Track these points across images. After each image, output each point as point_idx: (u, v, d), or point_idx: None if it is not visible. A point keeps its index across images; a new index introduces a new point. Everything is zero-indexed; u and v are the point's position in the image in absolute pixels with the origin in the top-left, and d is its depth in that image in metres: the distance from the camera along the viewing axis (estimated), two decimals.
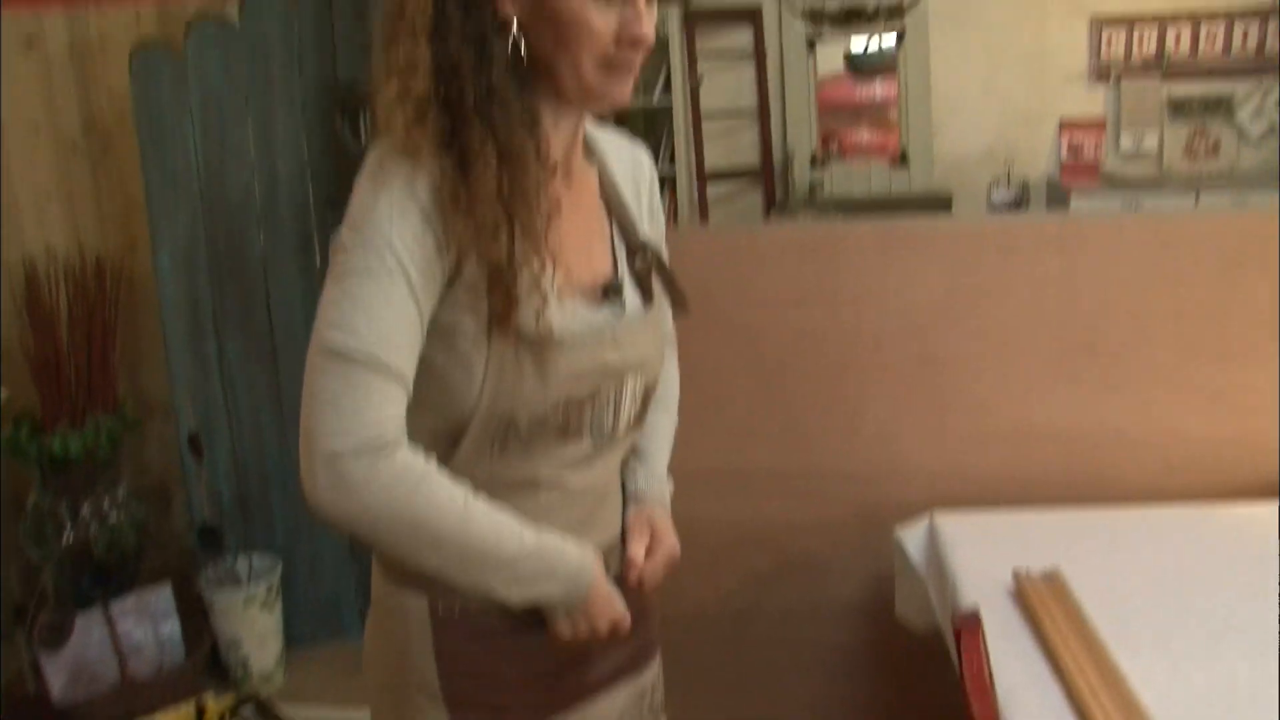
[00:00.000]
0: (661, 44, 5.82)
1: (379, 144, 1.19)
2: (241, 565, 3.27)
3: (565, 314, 1.22)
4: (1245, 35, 6.03)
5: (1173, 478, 2.01)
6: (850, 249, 1.93)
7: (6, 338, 3.41)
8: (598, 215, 1.36)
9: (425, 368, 1.19)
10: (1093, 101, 6.21)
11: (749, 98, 6.23)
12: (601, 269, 1.32)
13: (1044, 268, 1.93)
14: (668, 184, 5.94)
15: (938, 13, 6.14)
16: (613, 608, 1.28)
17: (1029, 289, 1.94)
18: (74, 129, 3.43)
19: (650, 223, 1.44)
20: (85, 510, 3.22)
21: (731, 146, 6.30)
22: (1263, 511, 1.91)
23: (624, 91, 1.23)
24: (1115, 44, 6.14)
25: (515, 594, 1.21)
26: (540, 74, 1.20)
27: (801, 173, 6.22)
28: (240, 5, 3.09)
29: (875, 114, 6.40)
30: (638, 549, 1.37)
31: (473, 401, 1.20)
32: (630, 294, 1.33)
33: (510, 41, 1.18)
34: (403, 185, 1.15)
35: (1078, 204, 5.77)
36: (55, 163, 3.45)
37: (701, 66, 6.04)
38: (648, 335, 1.33)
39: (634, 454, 1.45)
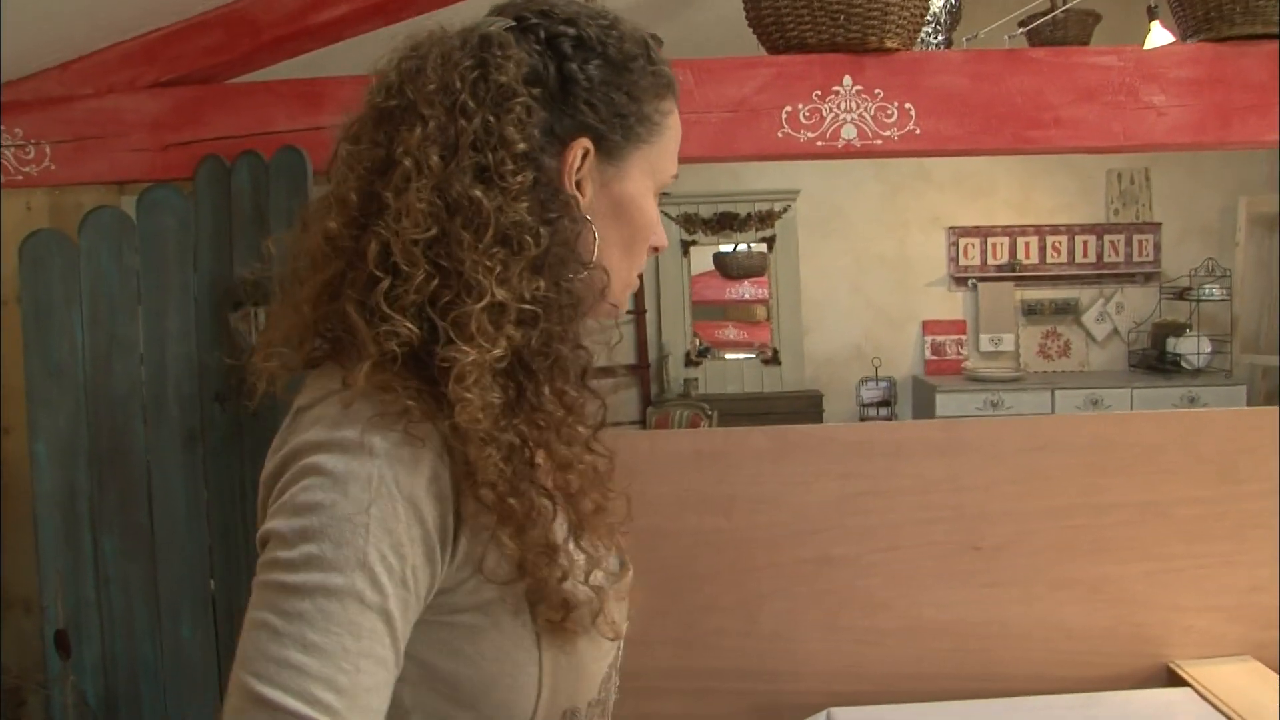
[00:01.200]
0: None
1: (359, 402, 0.92)
2: None
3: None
4: (1085, 246, 6.50)
5: (1058, 668, 2.09)
6: (745, 455, 2.01)
7: None
8: None
9: (450, 685, 0.96)
10: (952, 304, 6.57)
11: None
12: None
13: (929, 471, 2.03)
14: None
15: (806, 220, 6.48)
16: None
17: (916, 491, 2.03)
18: None
19: None
20: None
21: None
22: (1143, 697, 2.00)
23: None
24: (971, 252, 6.54)
25: None
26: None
27: (677, 370, 6.40)
28: (139, 198, 3.12)
29: (743, 312, 6.64)
30: None
31: (531, 702, 0.98)
32: None
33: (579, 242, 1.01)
34: (400, 472, 0.89)
35: (943, 400, 6.04)
36: None
37: None
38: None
39: None
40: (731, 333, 6.61)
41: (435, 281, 0.92)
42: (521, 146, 0.96)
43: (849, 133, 2.93)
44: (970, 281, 6.54)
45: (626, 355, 6.43)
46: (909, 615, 2.07)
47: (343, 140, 1.02)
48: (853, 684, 2.07)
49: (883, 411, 6.38)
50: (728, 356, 6.55)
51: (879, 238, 6.54)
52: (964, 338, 6.56)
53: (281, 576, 0.85)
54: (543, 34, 1.01)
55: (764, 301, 6.57)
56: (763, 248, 6.49)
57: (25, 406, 3.12)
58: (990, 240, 6.52)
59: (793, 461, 2.02)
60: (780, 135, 2.95)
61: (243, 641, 0.85)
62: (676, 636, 2.06)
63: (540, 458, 0.98)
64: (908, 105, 2.89)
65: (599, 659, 1.04)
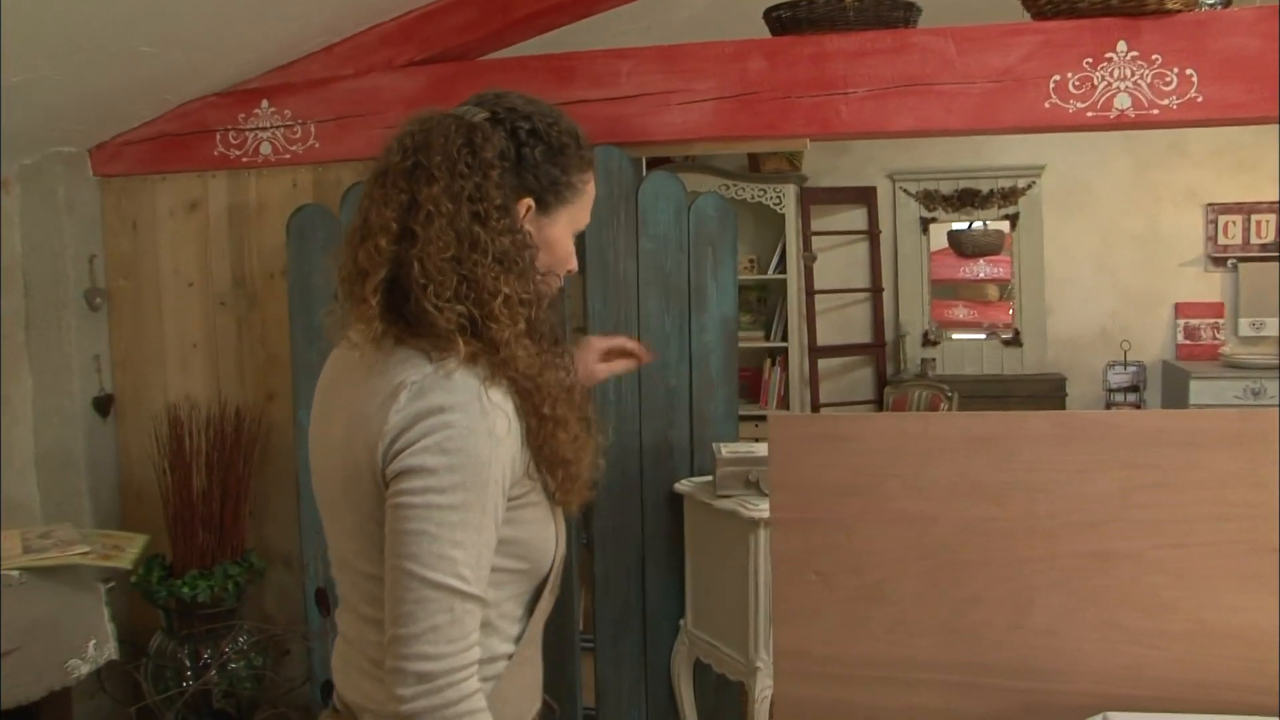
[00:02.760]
0: (777, 220, 5.97)
1: (462, 372, 1.39)
2: None
3: None
4: None
5: None
6: (1023, 441, 1.90)
7: (145, 480, 3.49)
8: None
9: (515, 546, 1.46)
10: (1208, 284, 6.21)
11: (862, 275, 6.32)
12: None
13: (1225, 465, 1.88)
14: (779, 357, 5.97)
15: (1051, 197, 6.24)
16: None
17: (1209, 485, 1.88)
18: (224, 285, 3.55)
19: None
20: (207, 656, 3.23)
21: (843, 322, 6.37)
22: None
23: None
24: (1231, 230, 6.13)
25: None
26: None
27: (914, 349, 6.22)
28: None
29: (974, 291, 6.44)
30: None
31: (550, 557, 1.51)
32: None
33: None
34: (497, 410, 1.39)
35: (1198, 387, 5.68)
36: (203, 316, 3.56)
37: (816, 244, 6.15)
38: None
39: None
40: (963, 312, 6.39)
41: (464, 285, 1.41)
42: (498, 201, 1.44)
43: (1123, 102, 2.75)
44: (1230, 262, 6.12)
45: (862, 334, 6.31)
46: (1195, 618, 1.92)
47: (370, 185, 1.48)
48: (1129, 688, 1.93)
49: (1130, 397, 6.05)
50: (954, 336, 6.33)
51: (1129, 215, 6.19)
52: (1221, 321, 6.14)
53: (437, 499, 1.32)
54: (508, 125, 1.49)
55: (1001, 280, 6.33)
56: (1004, 225, 6.24)
57: (287, 374, 3.26)
58: (1255, 217, 6.09)
59: (1074, 449, 1.90)
60: (1048, 106, 2.80)
61: (405, 543, 1.33)
62: (942, 626, 1.97)
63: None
64: (1189, 71, 2.70)
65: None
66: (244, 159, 3.45)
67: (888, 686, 1.99)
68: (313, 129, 3.38)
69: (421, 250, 1.39)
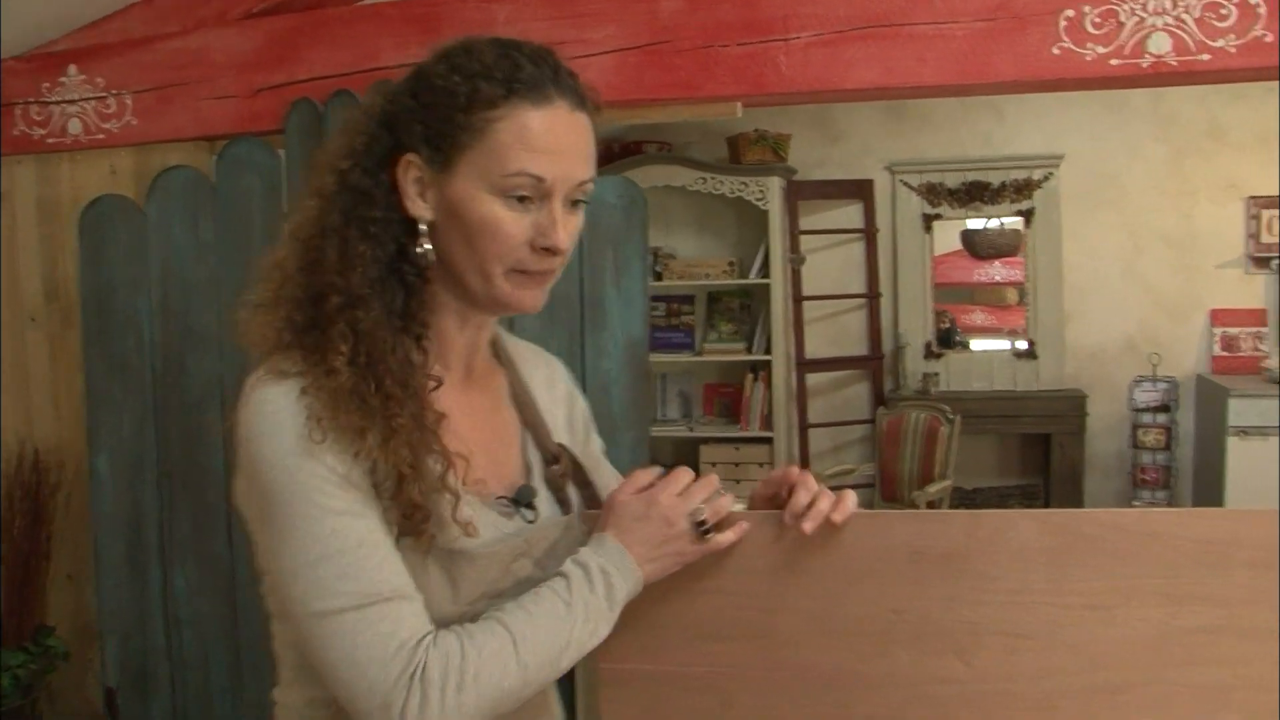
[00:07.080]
0: (761, 218, 5.40)
1: None
2: None
3: (478, 524, 1.19)
4: None
5: None
6: (1000, 557, 1.18)
7: None
8: (508, 421, 1.32)
9: None
10: (1249, 289, 5.62)
11: (856, 279, 5.77)
12: (511, 476, 1.28)
13: None
14: (762, 372, 5.41)
15: (1071, 190, 5.67)
16: (665, 501, 1.18)
17: None
18: (35, 298, 2.88)
19: (572, 433, 1.39)
20: None
21: (835, 332, 5.83)
22: None
23: (535, 299, 1.19)
24: (1275, 226, 5.56)
25: (604, 625, 1.17)
26: (448, 275, 1.19)
27: (914, 363, 5.57)
28: (219, 154, 2.54)
29: (991, 297, 5.85)
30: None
31: None
32: (544, 502, 1.28)
33: (420, 243, 1.17)
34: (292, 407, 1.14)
35: (1238, 406, 5.04)
36: (10, 335, 2.90)
37: (804, 244, 5.59)
38: (565, 543, 1.26)
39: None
40: (979, 318, 5.75)
41: None
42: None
43: (1160, 45, 2.06)
44: (1274, 263, 5.51)
45: (857, 345, 5.77)
46: None
47: None
48: None
49: (1160, 418, 5.39)
50: (974, 347, 5.69)
51: (1160, 210, 5.60)
52: (1263, 330, 5.54)
53: (274, 512, 1.14)
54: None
55: (1013, 284, 5.70)
56: (1018, 223, 5.61)
57: (84, 412, 2.58)
58: None
59: (1082, 569, 1.18)
60: (1057, 52, 2.13)
61: None
62: None
63: None
64: None
65: (453, 590, 1.17)
66: (49, 139, 2.82)
67: None
68: (129, 101, 2.74)
69: None
